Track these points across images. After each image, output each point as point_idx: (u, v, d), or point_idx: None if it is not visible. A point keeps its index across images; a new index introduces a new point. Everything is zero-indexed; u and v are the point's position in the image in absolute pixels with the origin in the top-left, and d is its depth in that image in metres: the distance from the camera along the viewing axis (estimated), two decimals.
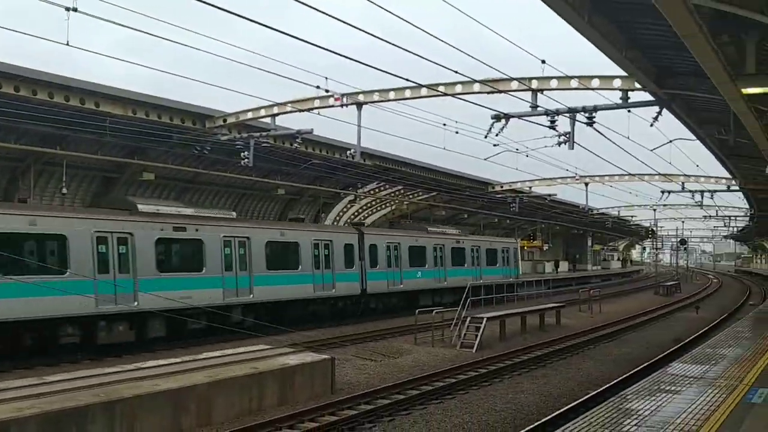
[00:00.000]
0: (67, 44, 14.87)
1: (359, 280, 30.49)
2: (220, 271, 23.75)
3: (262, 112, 23.66)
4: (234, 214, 27.89)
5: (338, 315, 29.29)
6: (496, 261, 42.13)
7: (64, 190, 25.13)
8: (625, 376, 17.13)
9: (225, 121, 24.77)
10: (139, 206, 22.42)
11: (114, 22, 13.97)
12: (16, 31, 16.02)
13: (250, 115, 24.08)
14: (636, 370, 17.97)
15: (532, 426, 12.19)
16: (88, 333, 19.81)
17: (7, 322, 17.72)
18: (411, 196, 44.44)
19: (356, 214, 45.67)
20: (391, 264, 32.49)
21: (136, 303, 20.63)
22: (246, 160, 25.19)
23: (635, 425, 8.46)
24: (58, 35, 14.80)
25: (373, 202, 45.28)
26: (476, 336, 22.49)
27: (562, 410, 13.40)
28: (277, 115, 23.52)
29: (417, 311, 24.39)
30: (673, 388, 10.76)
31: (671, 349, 21.83)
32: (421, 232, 36.26)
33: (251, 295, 24.70)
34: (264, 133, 24.94)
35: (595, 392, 15.20)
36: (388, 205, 46.59)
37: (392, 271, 32.50)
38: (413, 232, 35.93)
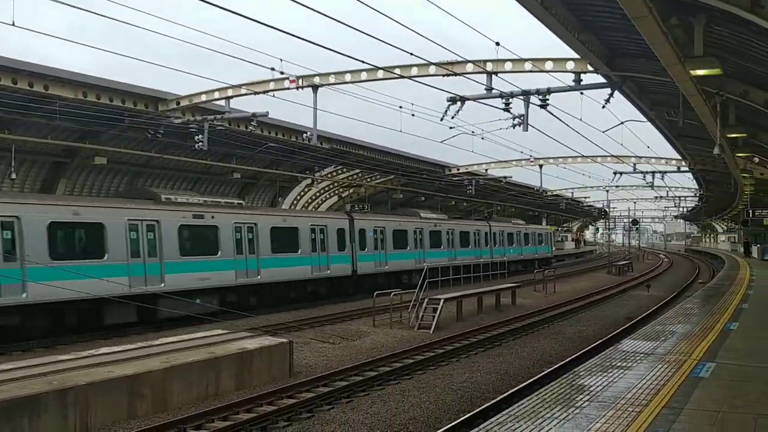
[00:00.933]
0: (13, 24, 14.50)
1: (350, 261, 32.77)
2: (233, 255, 25.73)
3: (216, 95, 23.41)
4: (243, 202, 30.23)
5: (333, 294, 31.16)
6: (469, 243, 44.77)
7: (13, 176, 24.58)
8: (579, 353, 17.45)
9: (178, 104, 24.45)
10: (162, 196, 24.39)
11: (63, 2, 13.64)
12: None
13: (203, 97, 23.81)
14: (590, 347, 18.32)
15: (487, 404, 12.38)
16: (122, 313, 20.99)
17: (58, 302, 18.88)
18: (369, 180, 44.45)
19: (314, 197, 45.55)
20: (378, 247, 34.83)
21: (162, 284, 22.58)
22: (200, 143, 24.92)
23: (587, 400, 8.63)
24: (3, 16, 14.41)
25: (331, 186, 45.18)
26: (433, 317, 22.66)
27: (517, 387, 13.62)
28: (232, 97, 23.28)
29: (375, 294, 24.48)
30: (624, 364, 10.99)
31: (623, 327, 22.29)
32: (403, 217, 38.87)
33: (259, 277, 26.64)
34: (218, 116, 24.69)
35: (550, 370, 15.47)
36: (345, 188, 46.54)
37: (379, 253, 34.88)
38: (396, 217, 38.55)
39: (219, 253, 25.17)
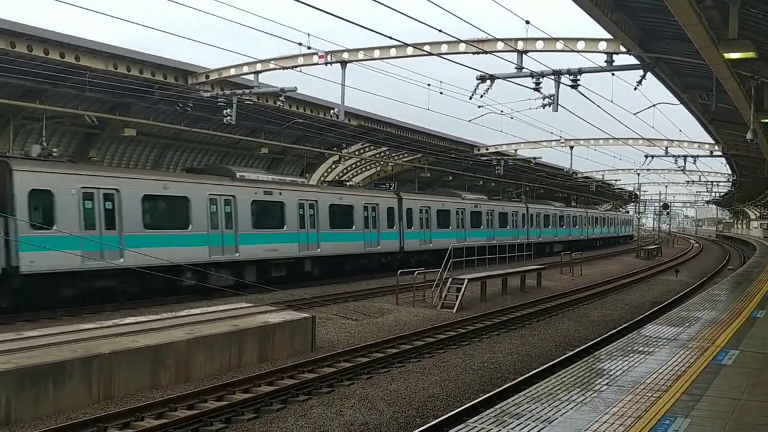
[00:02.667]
0: None
1: (398, 238, 34.69)
2: (296, 228, 27.92)
3: (245, 69, 23.41)
4: (305, 180, 32.45)
5: (382, 268, 32.78)
6: (507, 224, 46.88)
7: (44, 145, 24.82)
8: (602, 337, 17.38)
9: (207, 77, 24.50)
10: (237, 174, 26.58)
11: None
12: None
13: (232, 71, 23.82)
14: (613, 331, 18.22)
15: (507, 385, 12.38)
16: (203, 277, 22.67)
17: (147, 269, 20.00)
18: (396, 158, 44.33)
19: (341, 174, 45.56)
20: (423, 225, 36.77)
21: (237, 254, 24.95)
22: (229, 117, 24.99)
23: (606, 384, 8.59)
24: None
25: (358, 163, 45.14)
26: (457, 297, 22.66)
27: (537, 369, 13.60)
28: (260, 72, 23.26)
29: (399, 272, 24.52)
30: (646, 349, 10.91)
31: (649, 312, 22.13)
32: (446, 198, 40.61)
33: (318, 250, 28.89)
34: (247, 91, 24.70)
35: (572, 353, 15.42)
36: (372, 166, 46.47)
37: (424, 232, 36.81)
38: (440, 197, 40.27)
39: (285, 226, 27.39)
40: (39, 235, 18.83)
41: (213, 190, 24.38)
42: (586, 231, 62.42)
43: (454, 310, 21.98)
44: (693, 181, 63.91)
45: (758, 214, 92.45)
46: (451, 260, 27.45)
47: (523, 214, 49.68)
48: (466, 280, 23.29)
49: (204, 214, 23.85)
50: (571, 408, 7.52)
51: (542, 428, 6.79)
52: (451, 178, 48.83)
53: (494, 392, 11.84)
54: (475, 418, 7.10)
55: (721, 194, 79.63)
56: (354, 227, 31.34)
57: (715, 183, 65.36)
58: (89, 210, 20.40)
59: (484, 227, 43.21)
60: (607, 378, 8.93)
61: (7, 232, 18.48)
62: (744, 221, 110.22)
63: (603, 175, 63.16)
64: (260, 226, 26.15)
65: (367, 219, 32.21)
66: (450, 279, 23.76)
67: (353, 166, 45.35)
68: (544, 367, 13.85)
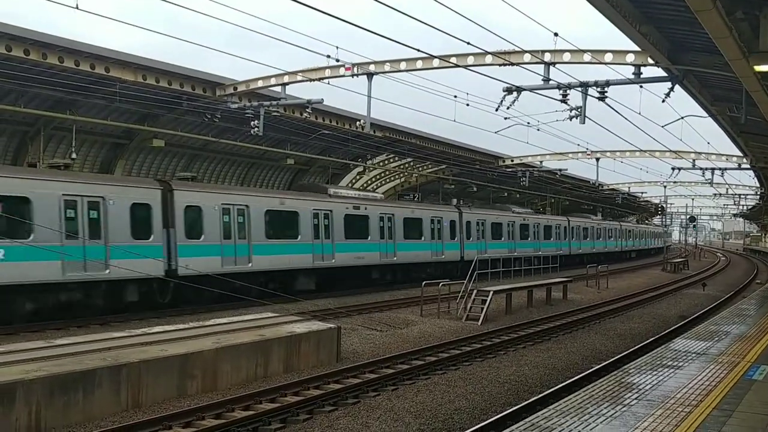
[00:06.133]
0: (77, 8, 14.80)
1: (459, 248, 37.64)
2: (378, 239, 31.15)
3: (273, 81, 23.62)
4: (382, 196, 36.00)
5: (445, 276, 32.85)
6: (551, 236, 49.88)
7: (74, 155, 25.20)
8: (629, 351, 17.21)
9: (235, 89, 24.74)
10: (330, 191, 30.03)
11: None
12: None
13: (260, 83, 24.04)
14: (640, 345, 18.04)
15: (534, 398, 12.30)
16: (305, 282, 26.89)
17: (268, 271, 25.15)
18: (420, 169, 44.35)
19: (365, 185, 45.66)
20: (480, 237, 39.95)
21: (333, 260, 28.37)
22: (256, 129, 25.19)
23: (635, 399, 8.52)
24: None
25: (382, 174, 45.21)
26: (482, 309, 22.57)
27: (565, 383, 13.50)
28: (288, 84, 23.46)
29: (423, 283, 24.51)
30: (675, 363, 10.81)
31: (676, 326, 21.89)
32: (499, 212, 43.83)
33: (395, 258, 31.73)
34: (274, 102, 24.89)
35: (599, 366, 15.28)
36: (397, 177, 46.51)
37: (481, 242, 39.84)
38: (494, 211, 43.62)
39: (369, 237, 30.65)
40: (191, 243, 22.65)
41: (316, 206, 27.95)
42: (620, 243, 65.59)
43: (480, 323, 21.89)
44: (720, 194, 63.26)
45: None
46: (476, 272, 27.45)
47: (565, 227, 52.47)
48: (491, 293, 23.19)
49: (309, 225, 27.39)
50: (601, 422, 7.47)
51: None
52: (475, 189, 48.78)
53: (521, 405, 11.76)
54: None
55: (749, 207, 78.71)
56: (423, 238, 34.59)
57: (742, 196, 64.63)
58: (226, 222, 24.00)
59: (531, 239, 46.27)
60: (636, 392, 8.86)
61: (168, 240, 22.03)
62: None
63: (629, 188, 62.73)
64: (350, 236, 29.44)
65: (433, 231, 35.37)
66: (475, 291, 23.68)
67: (377, 177, 45.44)
68: (572, 380, 13.75)
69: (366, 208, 30.74)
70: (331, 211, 28.55)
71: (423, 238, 34.57)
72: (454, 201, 43.42)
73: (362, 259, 30.07)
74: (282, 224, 26.39)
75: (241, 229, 24.45)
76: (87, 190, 19.95)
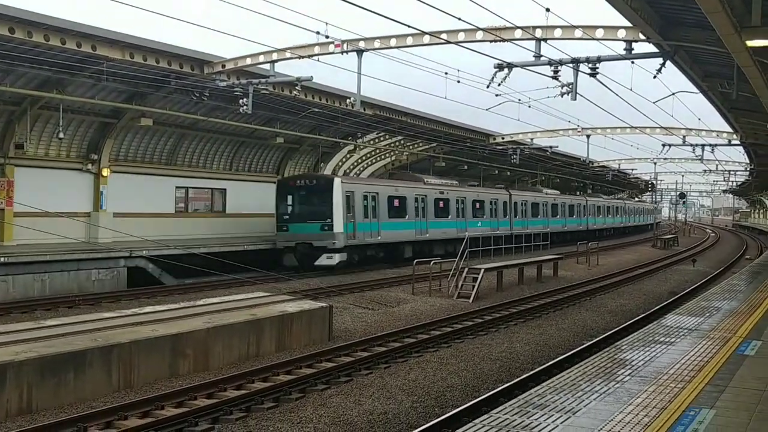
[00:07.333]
0: None
1: (509, 225, 44.74)
2: (455, 218, 38.29)
3: (261, 58, 23.36)
4: (456, 183, 41.46)
5: (497, 245, 41.15)
6: (574, 213, 57.19)
7: (61, 135, 24.95)
8: (620, 327, 17.29)
9: (224, 66, 24.46)
10: (425, 179, 37.00)
11: None
12: None
13: (249, 61, 23.77)
14: (632, 321, 18.13)
15: (526, 375, 12.33)
16: (408, 250, 33.65)
17: (389, 243, 32.51)
18: (411, 147, 44.18)
19: (355, 164, 45.48)
20: (524, 215, 47.37)
21: (428, 234, 35.23)
22: (245, 107, 24.97)
23: (628, 375, 8.52)
24: None
25: (373, 152, 45.00)
26: (473, 287, 22.60)
27: (557, 359, 13.54)
28: (277, 61, 23.19)
29: (415, 262, 24.50)
30: (667, 339, 10.83)
31: (667, 302, 22.00)
32: (537, 193, 51.79)
33: (467, 233, 34.88)
34: (263, 80, 24.65)
35: (590, 342, 15.35)
36: (387, 155, 46.32)
37: (524, 220, 47.20)
38: (533, 193, 51.24)
39: (449, 216, 37.59)
40: (348, 221, 29.20)
41: (417, 192, 34.74)
42: (626, 219, 73.35)
43: (471, 300, 21.93)
44: (710, 170, 63.42)
45: None
46: (468, 249, 27.67)
47: (584, 206, 59.59)
48: (482, 270, 23.22)
49: (413, 207, 34.13)
50: (595, 398, 7.46)
51: (567, 419, 6.74)
52: (466, 167, 48.72)
53: (513, 382, 11.79)
54: (499, 409, 7.05)
55: (738, 183, 78.97)
56: (485, 216, 41.68)
57: (732, 172, 64.78)
58: (365, 206, 30.51)
59: (560, 216, 53.91)
60: (629, 368, 8.87)
61: (331, 218, 28.66)
62: (761, 211, 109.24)
63: (619, 164, 62.76)
64: (438, 216, 36.34)
65: (492, 210, 42.69)
66: (466, 269, 23.69)
67: (368, 155, 45.23)
68: (563, 357, 13.79)
69: (447, 193, 37.81)
70: (426, 195, 35.47)
71: (485, 216, 41.75)
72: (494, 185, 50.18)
73: (445, 234, 36.56)
74: (397, 206, 32.99)
75: (373, 210, 31.22)
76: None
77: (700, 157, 42.39)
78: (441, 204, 36.90)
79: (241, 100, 24.99)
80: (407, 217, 33.64)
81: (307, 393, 11.48)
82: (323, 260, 27.69)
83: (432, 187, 36.47)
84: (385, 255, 32.30)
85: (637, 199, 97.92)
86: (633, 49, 18.17)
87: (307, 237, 28.65)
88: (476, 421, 6.68)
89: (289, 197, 30.25)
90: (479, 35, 19.10)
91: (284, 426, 9.78)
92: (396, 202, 32.98)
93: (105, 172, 28.02)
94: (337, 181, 29.56)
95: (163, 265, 24.09)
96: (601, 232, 62.02)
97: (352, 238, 29.23)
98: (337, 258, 27.90)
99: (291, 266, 28.51)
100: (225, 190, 34.63)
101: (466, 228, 37.69)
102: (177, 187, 32.21)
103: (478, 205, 41.19)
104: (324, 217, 28.67)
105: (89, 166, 27.76)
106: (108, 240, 24.71)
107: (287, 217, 29.88)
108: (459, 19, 15.18)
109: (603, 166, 61.01)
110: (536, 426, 6.50)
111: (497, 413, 6.87)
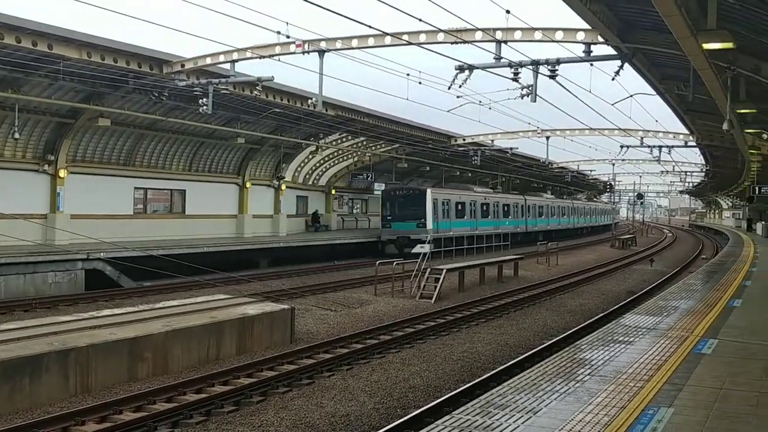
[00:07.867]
0: None
1: (525, 224, 54.95)
2: (494, 218, 48.04)
3: (222, 58, 23.13)
4: (491, 190, 53.69)
5: (517, 243, 51.04)
6: (564, 215, 66.74)
7: (17, 135, 24.45)
8: (580, 326, 17.47)
9: (183, 66, 24.17)
10: (473, 188, 47.73)
11: None
12: None
13: (208, 60, 23.53)
14: (591, 321, 18.33)
15: (487, 375, 12.39)
16: (469, 242, 43.24)
17: (456, 237, 41.90)
18: (373, 148, 44.20)
19: (317, 165, 45.35)
20: (534, 215, 57.43)
21: (477, 231, 44.65)
22: (205, 107, 24.73)
23: (588, 374, 8.60)
24: None
25: (336, 153, 44.93)
26: (435, 287, 22.66)
27: (517, 359, 13.63)
28: (237, 61, 22.98)
29: (377, 263, 24.49)
30: (626, 338, 10.95)
31: (625, 301, 22.30)
32: (543, 198, 62.20)
33: (499, 229, 47.75)
34: (223, 80, 24.43)
35: (551, 342, 15.48)
36: (350, 156, 46.28)
37: (534, 219, 57.38)
38: (539, 198, 60.94)
39: (489, 216, 47.15)
40: (435, 220, 39.10)
41: (471, 198, 44.86)
42: (579, 220, 79.10)
43: (433, 301, 21.99)
44: (667, 171, 64.51)
45: (730, 203, 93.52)
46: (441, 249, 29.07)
47: (570, 208, 70.09)
48: (444, 271, 23.30)
49: (469, 209, 43.95)
50: (555, 398, 7.51)
51: (528, 419, 6.77)
52: (428, 168, 48.90)
53: (475, 382, 11.84)
54: (461, 409, 7.06)
55: (695, 184, 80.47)
56: (510, 217, 51.43)
57: (688, 173, 65.96)
58: (443, 209, 40.58)
59: (557, 216, 63.82)
60: (589, 368, 8.95)
61: (424, 218, 38.72)
62: (716, 211, 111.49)
63: (578, 166, 63.49)
64: (483, 216, 46.03)
65: (516, 212, 52.88)
66: (429, 269, 23.75)
67: (330, 156, 45.14)
68: (524, 356, 13.89)
69: (487, 198, 47.62)
70: (475, 201, 45.14)
71: (510, 217, 51.34)
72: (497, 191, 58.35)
73: (485, 230, 45.52)
74: (460, 209, 42.73)
75: (447, 212, 40.79)
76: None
77: (657, 159, 43.11)
78: (485, 208, 46.93)
79: (200, 100, 24.76)
80: (465, 217, 43.34)
81: (268, 396, 11.40)
82: (418, 248, 29.85)
83: (478, 194, 46.80)
84: (452, 245, 40.24)
85: (595, 199, 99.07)
86: (592, 51, 18.36)
87: (406, 232, 37.81)
88: (439, 421, 6.68)
89: (392, 202, 40.00)
90: (440, 37, 19.16)
91: (245, 430, 9.70)
92: (460, 206, 42.83)
93: (62, 173, 27.53)
94: (429, 191, 40.48)
95: (121, 268, 23.81)
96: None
97: (436, 233, 37.65)
98: (427, 247, 29.85)
99: (390, 254, 35.88)
100: (185, 191, 34.29)
101: (498, 226, 48.69)
102: (136, 188, 31.82)
103: (505, 208, 51.18)
104: (419, 217, 38.50)
105: (46, 167, 27.24)
106: (65, 242, 24.24)
107: (390, 217, 39.68)
108: (420, 20, 15.22)
109: (562, 168, 61.68)
110: (498, 426, 6.52)
111: (459, 414, 6.88)
